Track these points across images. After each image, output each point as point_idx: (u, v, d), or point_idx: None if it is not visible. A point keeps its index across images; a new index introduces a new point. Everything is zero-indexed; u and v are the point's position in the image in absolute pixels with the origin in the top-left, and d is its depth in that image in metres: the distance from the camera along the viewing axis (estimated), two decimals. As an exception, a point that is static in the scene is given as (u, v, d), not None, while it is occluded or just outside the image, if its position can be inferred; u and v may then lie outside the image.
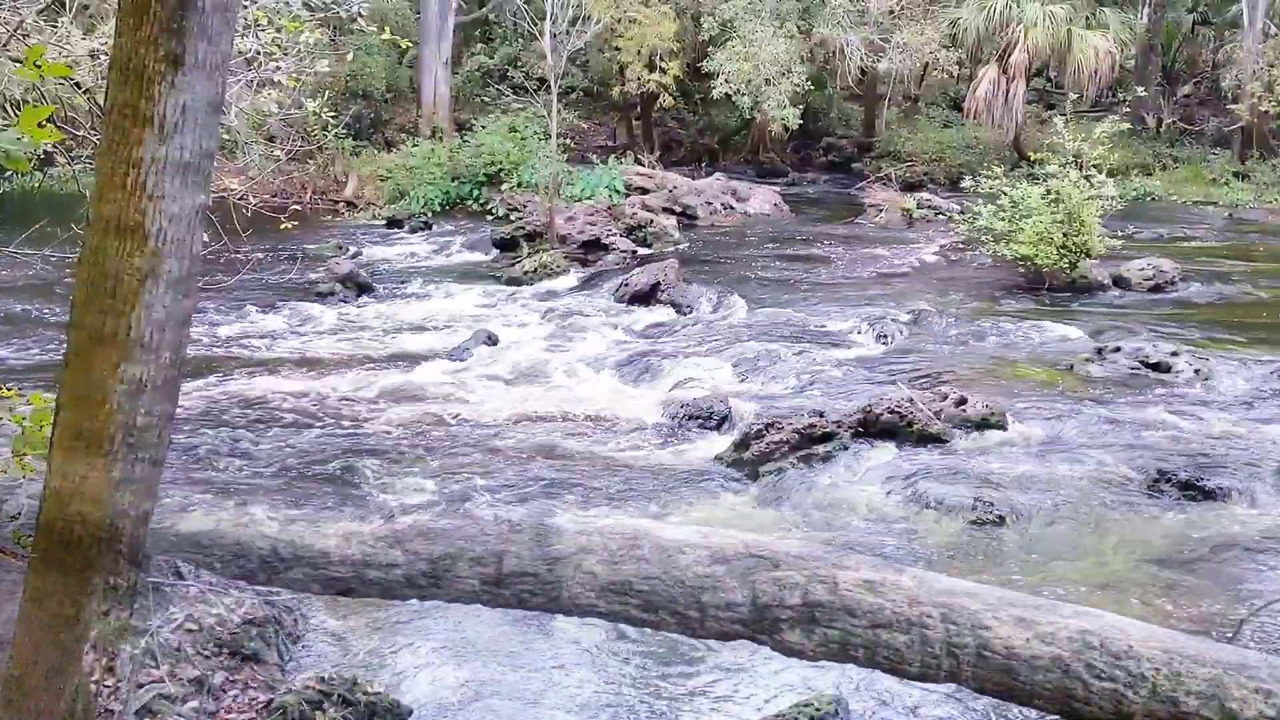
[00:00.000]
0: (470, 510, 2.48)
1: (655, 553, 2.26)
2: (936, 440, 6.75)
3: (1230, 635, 3.45)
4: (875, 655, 2.10)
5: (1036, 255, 11.28)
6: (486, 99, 21.18)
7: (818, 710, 4.29)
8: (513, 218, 14.32)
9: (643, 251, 14.00)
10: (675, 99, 19.68)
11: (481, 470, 6.54)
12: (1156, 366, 8.34)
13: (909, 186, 19.34)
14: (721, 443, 6.84)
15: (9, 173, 11.70)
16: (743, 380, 8.54)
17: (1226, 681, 1.89)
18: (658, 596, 2.24)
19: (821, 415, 6.66)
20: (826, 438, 6.54)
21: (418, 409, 8.01)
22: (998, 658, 2.00)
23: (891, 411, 6.65)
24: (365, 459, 6.80)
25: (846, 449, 6.57)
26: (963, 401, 7.01)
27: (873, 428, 6.64)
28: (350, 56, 13.03)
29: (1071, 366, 8.66)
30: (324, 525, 2.44)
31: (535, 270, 12.68)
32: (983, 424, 6.97)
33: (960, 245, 13.98)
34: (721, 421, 7.24)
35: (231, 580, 3.60)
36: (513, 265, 13.04)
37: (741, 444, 6.56)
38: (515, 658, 4.91)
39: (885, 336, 9.69)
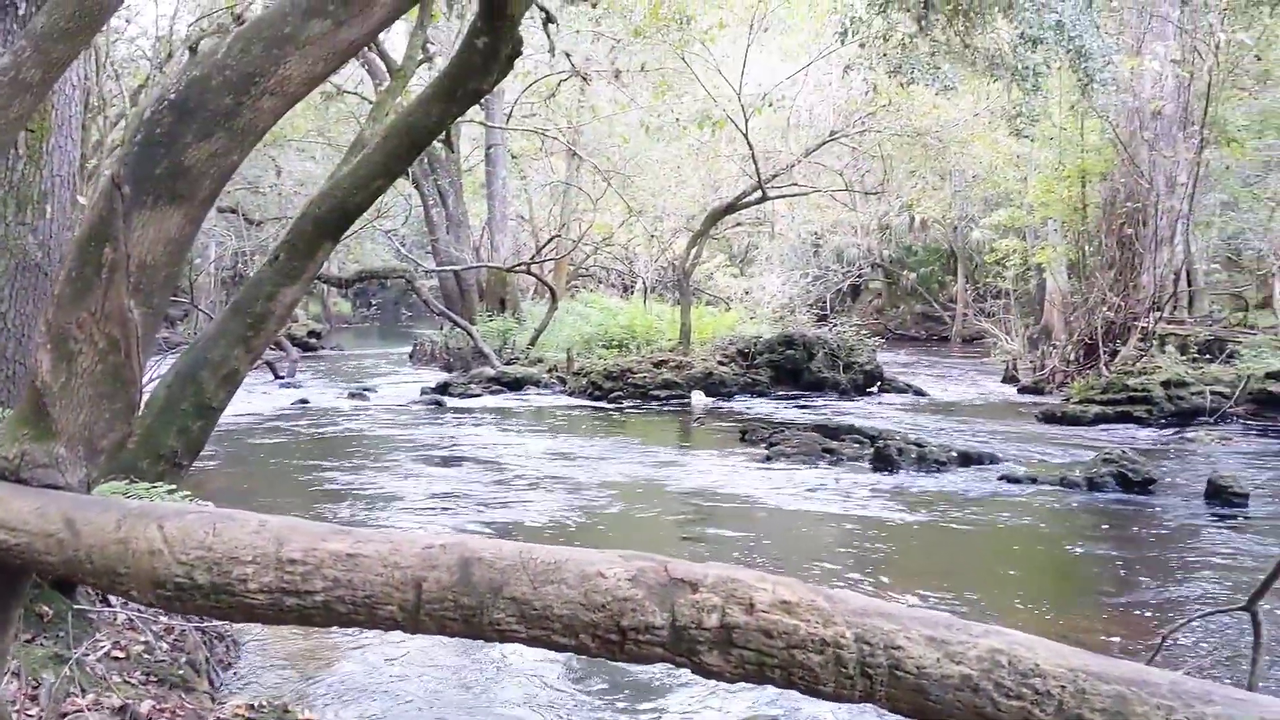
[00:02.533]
0: (392, 536, 2.46)
1: (577, 577, 2.26)
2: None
3: (1152, 655, 3.51)
4: (791, 676, 2.11)
5: None
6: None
7: (755, 730, 4.31)
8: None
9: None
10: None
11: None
12: None
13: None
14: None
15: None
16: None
17: (1129, 698, 1.92)
18: (578, 621, 2.23)
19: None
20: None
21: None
22: (910, 677, 2.02)
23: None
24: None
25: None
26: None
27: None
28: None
29: None
30: (240, 551, 2.40)
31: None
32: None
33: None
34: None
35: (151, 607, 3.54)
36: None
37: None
38: (455, 681, 4.88)
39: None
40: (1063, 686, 1.95)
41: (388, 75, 15.90)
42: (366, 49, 18.79)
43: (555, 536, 7.56)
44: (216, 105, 2.58)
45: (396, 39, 21.60)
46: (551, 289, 22.37)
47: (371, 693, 4.70)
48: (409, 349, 23.64)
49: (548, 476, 10.05)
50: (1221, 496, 8.97)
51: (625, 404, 16.20)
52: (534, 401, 16.55)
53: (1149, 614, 5.79)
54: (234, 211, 25.20)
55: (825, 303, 33.88)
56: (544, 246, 24.68)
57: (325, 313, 37.44)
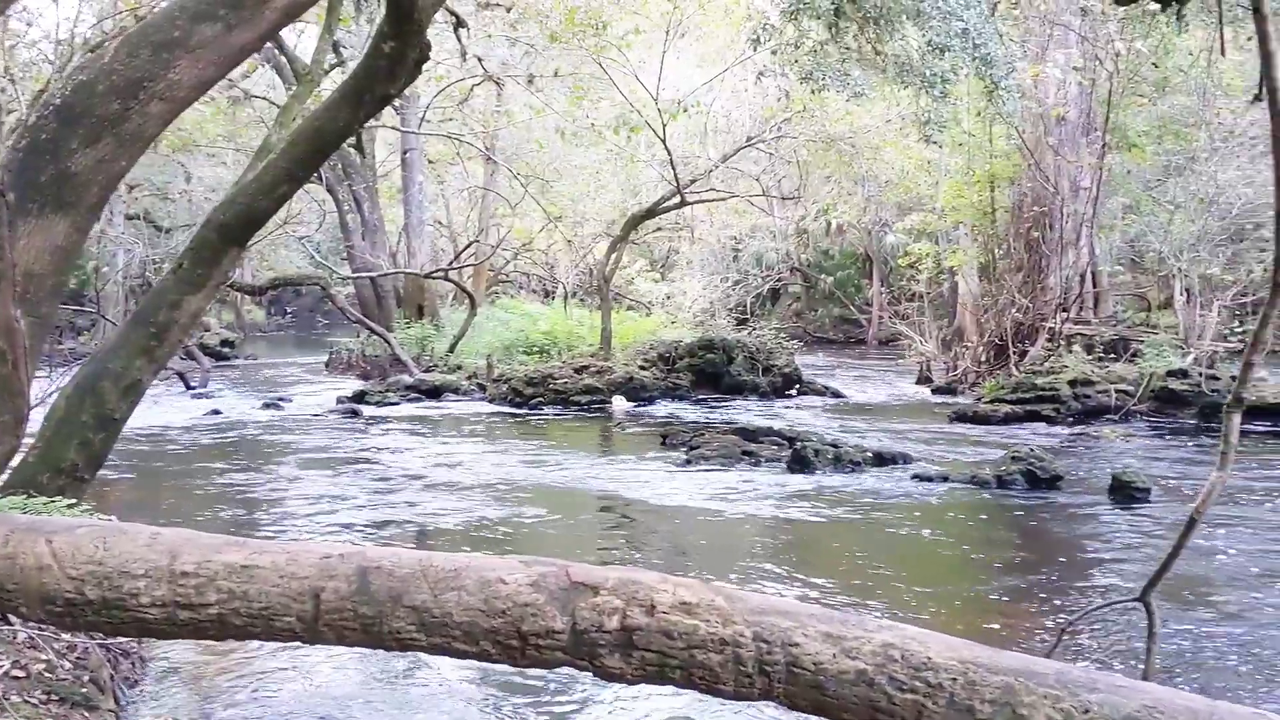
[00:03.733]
0: (289, 546, 2.42)
1: (477, 584, 2.25)
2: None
3: (1052, 646, 3.60)
4: (692, 676, 2.13)
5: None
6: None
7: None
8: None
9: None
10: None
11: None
12: None
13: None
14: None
15: None
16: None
17: (1017, 688, 1.97)
18: (479, 628, 2.23)
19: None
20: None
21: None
22: (807, 674, 2.05)
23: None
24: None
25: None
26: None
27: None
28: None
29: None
30: (131, 565, 2.35)
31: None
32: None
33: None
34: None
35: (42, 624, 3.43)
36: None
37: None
38: (369, 693, 4.82)
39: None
40: (954, 679, 2.00)
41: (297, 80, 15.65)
42: (276, 52, 18.48)
43: (473, 544, 7.50)
44: (103, 111, 2.52)
45: (311, 43, 21.27)
46: (470, 295, 22.21)
47: (282, 707, 4.61)
48: (325, 357, 23.26)
49: (466, 484, 9.97)
50: (1124, 491, 9.24)
51: (546, 410, 16.15)
52: (453, 409, 16.41)
53: (1054, 607, 5.94)
54: (142, 219, 24.60)
55: (745, 307, 34.15)
56: (462, 252, 24.50)
57: (239, 321, 36.69)
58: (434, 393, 17.51)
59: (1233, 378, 14.46)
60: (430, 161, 25.93)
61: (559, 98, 18.23)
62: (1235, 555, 7.20)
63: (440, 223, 29.77)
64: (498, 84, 18.03)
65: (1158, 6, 3.88)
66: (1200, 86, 17.68)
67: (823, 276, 38.08)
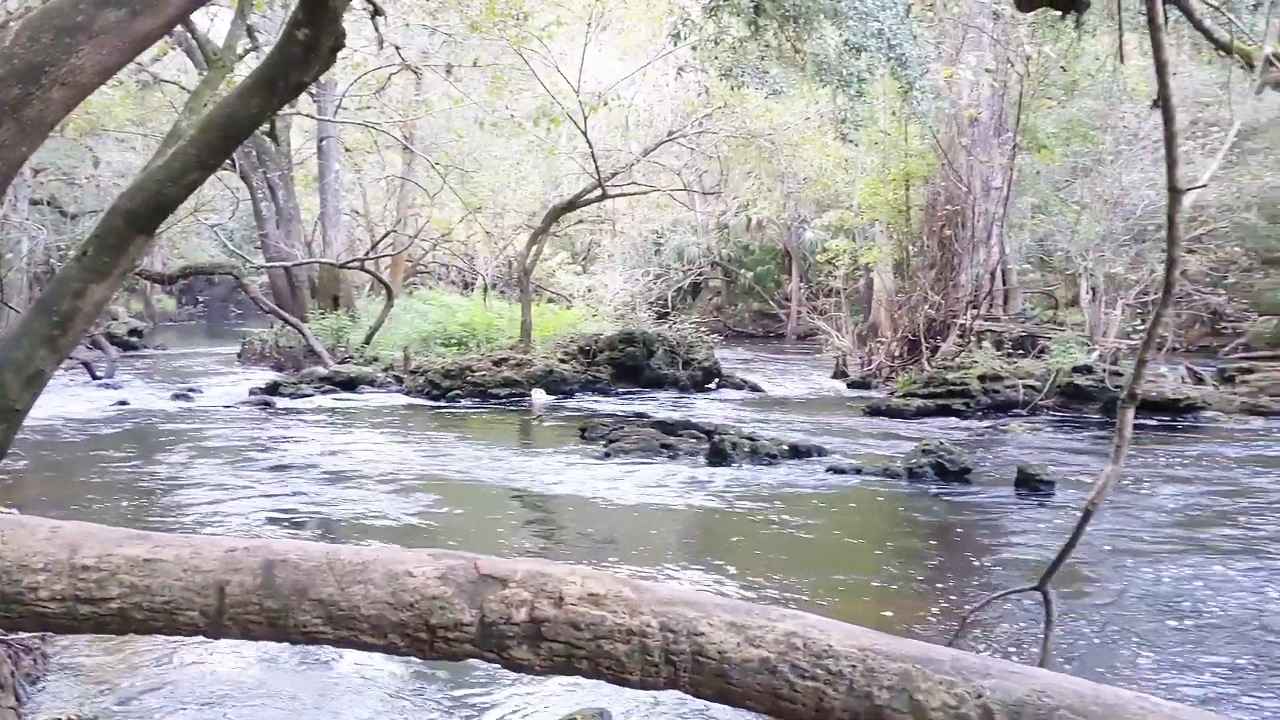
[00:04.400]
0: (192, 539, 2.39)
1: (384, 577, 2.25)
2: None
3: (954, 634, 3.70)
4: (599, 666, 2.15)
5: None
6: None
7: (581, 724, 4.35)
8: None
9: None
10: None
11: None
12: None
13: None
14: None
15: None
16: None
17: (914, 674, 2.03)
18: (386, 621, 2.22)
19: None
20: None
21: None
22: (712, 662, 2.09)
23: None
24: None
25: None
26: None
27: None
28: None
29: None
30: (30, 559, 2.29)
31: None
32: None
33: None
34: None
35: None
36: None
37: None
38: (284, 688, 4.75)
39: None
40: (854, 666, 2.05)
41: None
42: (188, 35, 18.03)
43: (387, 539, 7.44)
44: (3, 96, 2.45)
45: (226, 27, 20.79)
46: (387, 286, 21.95)
47: (189, 699, 4.53)
48: (238, 348, 22.79)
49: (381, 478, 9.87)
50: (1030, 484, 9.50)
51: (464, 403, 16.04)
52: (369, 401, 16.22)
53: (960, 596, 6.10)
54: (48, 204, 23.81)
55: (666, 300, 34.29)
56: (379, 242, 24.19)
57: (148, 310, 35.76)
58: (349, 384, 17.28)
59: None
60: (347, 150, 25.54)
61: (479, 88, 18.09)
62: (1130, 545, 7.46)
63: (357, 212, 29.35)
64: (416, 73, 17.81)
65: (1073, 13, 3.99)
66: (1106, 91, 18.21)
67: (743, 271, 38.40)
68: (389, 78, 20.72)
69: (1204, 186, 3.50)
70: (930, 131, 17.87)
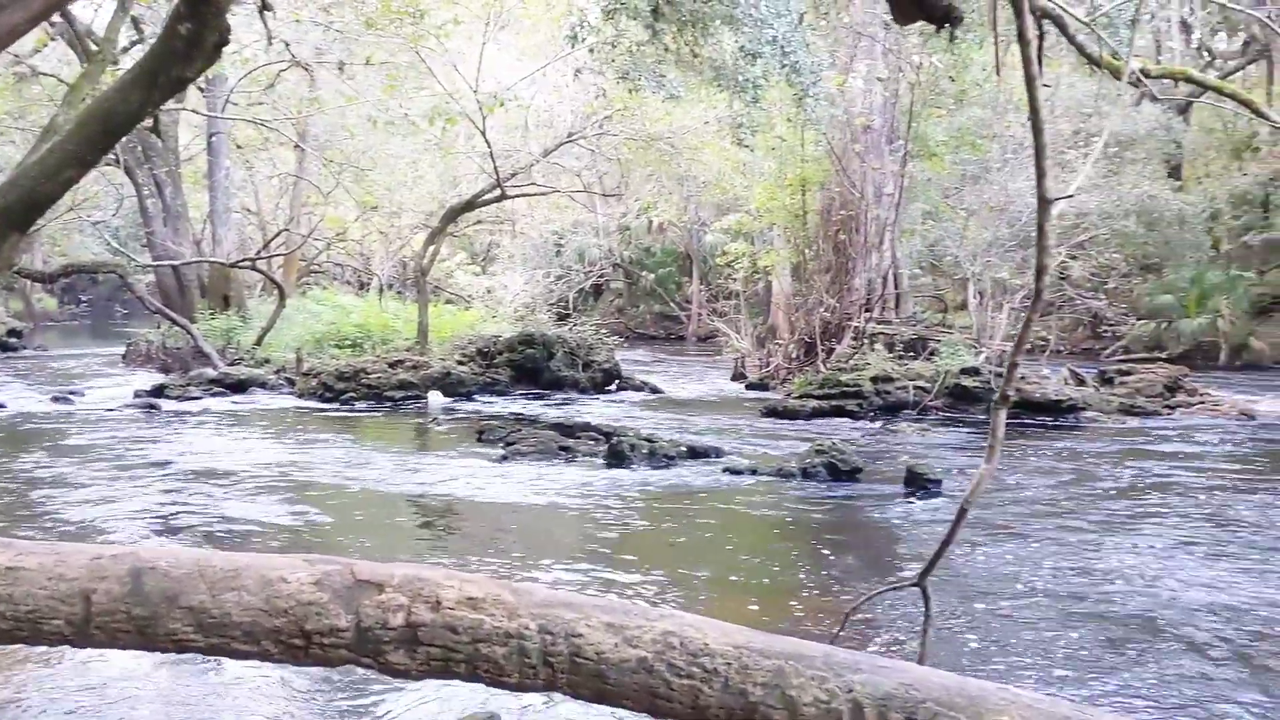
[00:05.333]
0: (58, 547, 2.31)
1: (257, 583, 2.20)
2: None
3: (836, 631, 3.78)
4: (477, 670, 2.15)
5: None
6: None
7: (470, 728, 4.32)
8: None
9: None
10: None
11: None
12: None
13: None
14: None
15: None
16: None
17: (787, 671, 2.07)
18: (260, 627, 2.18)
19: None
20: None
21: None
22: (590, 663, 2.10)
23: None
24: None
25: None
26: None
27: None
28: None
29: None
30: (-122, 571, 2.19)
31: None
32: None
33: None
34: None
35: None
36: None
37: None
38: (160, 696, 4.62)
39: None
40: (728, 664, 2.08)
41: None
42: (69, 26, 17.39)
43: (275, 547, 7.28)
44: None
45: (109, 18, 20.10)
46: (279, 286, 21.48)
47: (59, 708, 4.37)
48: (123, 349, 22.05)
49: (270, 483, 9.65)
50: (918, 483, 9.75)
51: (358, 405, 15.78)
52: (259, 404, 15.85)
53: (847, 593, 6.22)
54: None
55: (567, 302, 34.27)
56: (271, 241, 23.66)
57: (28, 310, 34.40)
58: (239, 387, 16.86)
59: (1021, 375, 15.46)
60: (238, 146, 24.91)
61: (374, 86, 17.82)
62: (1007, 540, 7.71)
63: (249, 210, 28.66)
64: (307, 69, 17.47)
65: (947, 27, 4.10)
66: (993, 100, 18.79)
67: (644, 273, 38.58)
68: (279, 74, 20.26)
69: (1071, 197, 3.64)
70: (825, 138, 18.21)
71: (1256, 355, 25.52)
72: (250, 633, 2.17)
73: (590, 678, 2.10)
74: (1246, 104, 5.95)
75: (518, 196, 21.22)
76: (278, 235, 23.86)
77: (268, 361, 18.88)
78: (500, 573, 6.24)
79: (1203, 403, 15.95)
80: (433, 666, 2.15)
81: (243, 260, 22.07)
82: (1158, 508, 9.13)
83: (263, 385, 17.13)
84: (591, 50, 14.39)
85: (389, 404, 15.98)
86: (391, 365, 16.89)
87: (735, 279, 25.96)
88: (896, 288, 20.14)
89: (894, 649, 5.23)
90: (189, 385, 16.48)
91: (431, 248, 19.73)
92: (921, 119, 18.38)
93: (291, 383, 17.12)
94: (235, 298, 22.39)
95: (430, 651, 2.14)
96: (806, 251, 19.82)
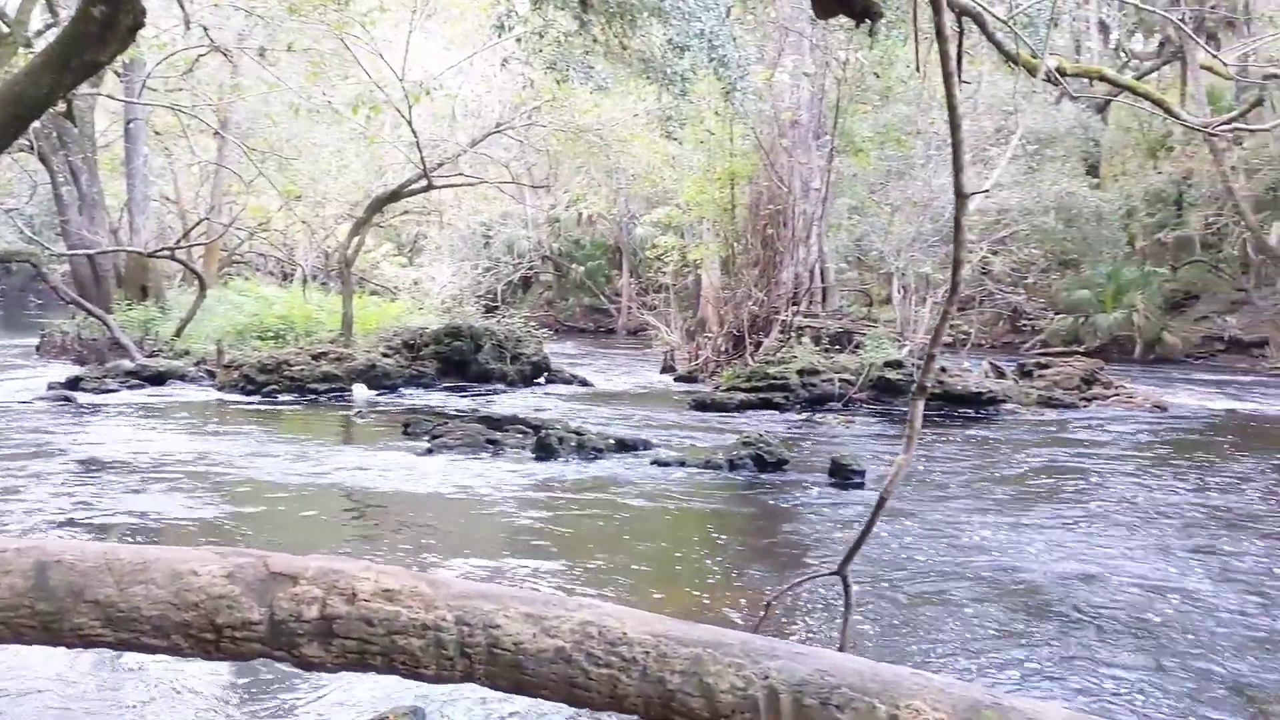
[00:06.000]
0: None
1: (167, 577, 2.16)
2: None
3: (758, 620, 3.82)
4: (393, 662, 2.13)
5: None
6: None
7: (393, 722, 4.28)
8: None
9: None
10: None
11: None
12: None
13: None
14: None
15: None
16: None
17: (704, 658, 2.09)
18: (169, 621, 2.14)
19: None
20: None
21: None
22: (508, 654, 2.09)
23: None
24: None
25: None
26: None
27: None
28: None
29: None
30: None
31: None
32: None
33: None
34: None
35: None
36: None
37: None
38: (68, 695, 4.50)
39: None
40: (647, 652, 2.09)
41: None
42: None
43: (192, 542, 7.13)
44: None
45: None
46: (200, 276, 21.02)
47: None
48: (36, 340, 21.41)
49: (189, 477, 9.45)
50: (842, 474, 9.88)
51: (281, 398, 15.52)
52: (179, 397, 15.50)
53: (771, 583, 6.29)
54: None
55: (496, 294, 34.06)
56: (191, 230, 23.13)
57: (-65, 300, 33.23)
58: (157, 379, 16.47)
59: (942, 368, 15.76)
60: (156, 133, 24.31)
61: (297, 73, 17.50)
62: (926, 530, 7.85)
63: (168, 198, 27.98)
64: (227, 55, 17.12)
65: (867, 22, 4.15)
66: (917, 97, 19.06)
67: (574, 266, 38.52)
68: (197, 59, 19.81)
69: (987, 192, 3.71)
70: (753, 132, 18.32)
71: (1169, 349, 26.31)
72: (160, 627, 2.13)
73: (508, 668, 2.10)
74: (1159, 104, 6.13)
75: (445, 187, 21.03)
76: (198, 224, 23.34)
77: (187, 353, 18.47)
78: (423, 566, 6.18)
79: (1117, 395, 16.40)
80: (348, 659, 2.13)
81: (161, 250, 21.55)
82: (1070, 496, 9.38)
83: (182, 378, 16.76)
84: (519, 40, 14.30)
85: (312, 397, 15.73)
86: (315, 357, 16.63)
87: (665, 272, 26.03)
88: (823, 282, 20.37)
89: (816, 636, 5.30)
90: (105, 377, 16.05)
91: (356, 238, 19.46)
92: (847, 115, 18.59)
93: (212, 375, 16.77)
94: (153, 288, 21.86)
95: (346, 644, 2.11)
96: (735, 245, 19.94)
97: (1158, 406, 15.88)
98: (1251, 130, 10.05)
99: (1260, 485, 10.08)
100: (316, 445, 11.60)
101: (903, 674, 2.15)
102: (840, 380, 15.91)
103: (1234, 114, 7.01)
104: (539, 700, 2.17)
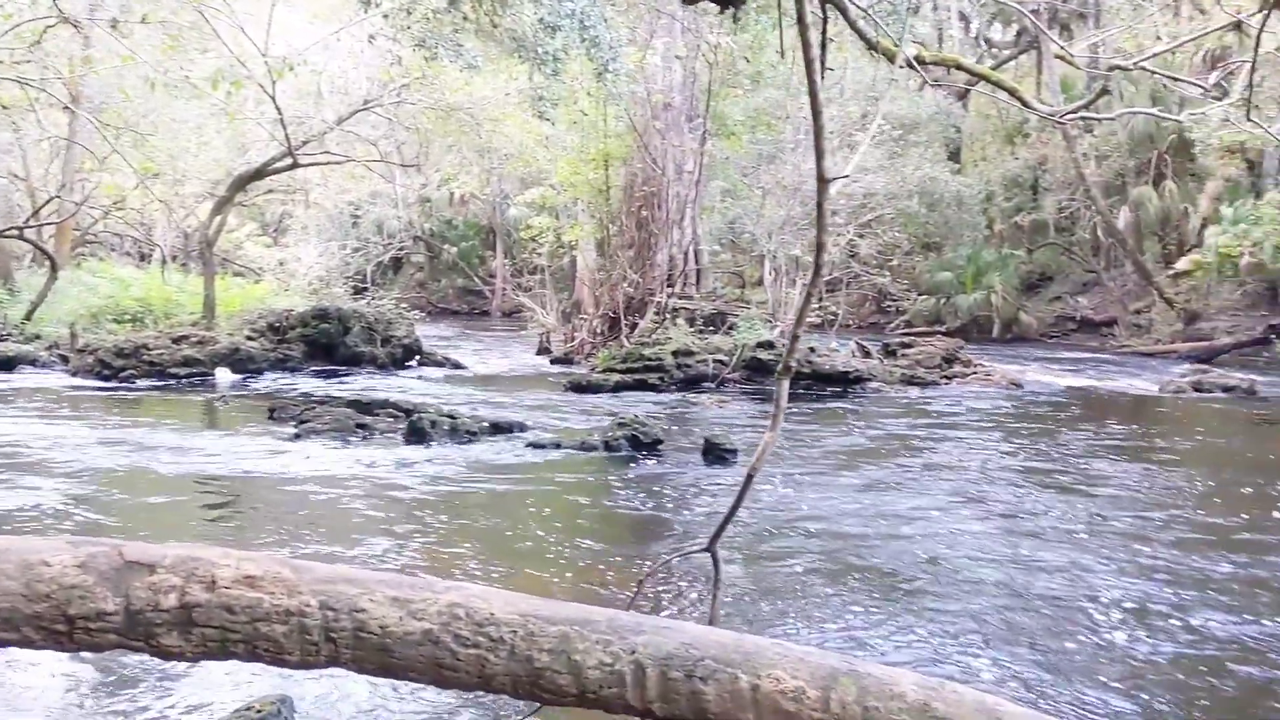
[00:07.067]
0: None
1: (17, 567, 2.08)
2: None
3: (631, 598, 3.87)
4: (255, 649, 2.09)
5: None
6: None
7: (259, 713, 4.19)
8: None
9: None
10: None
11: None
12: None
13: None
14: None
15: None
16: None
17: (572, 636, 2.12)
18: (19, 613, 2.06)
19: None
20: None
21: None
22: (374, 637, 2.08)
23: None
24: None
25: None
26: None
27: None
28: None
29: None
30: None
31: None
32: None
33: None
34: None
35: None
36: None
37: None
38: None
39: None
40: (514, 631, 2.11)
41: None
42: None
43: (47, 532, 6.83)
44: None
45: None
46: (51, 257, 20.06)
47: None
48: None
49: (41, 465, 9.04)
50: (715, 453, 10.05)
51: (139, 384, 14.95)
52: (29, 382, 14.78)
53: (646, 561, 6.37)
54: None
55: (366, 275, 33.39)
56: (41, 208, 22.03)
57: None
58: (6, 364, 15.69)
59: (811, 349, 16.13)
60: (3, 107, 22.97)
61: (154, 46, 16.77)
62: (793, 504, 8.06)
63: (15, 175, 26.54)
64: (77, 26, 16.30)
65: (731, 8, 4.22)
66: (786, 82, 19.38)
67: (446, 247, 38.03)
68: (45, 30, 18.81)
69: (846, 177, 3.82)
70: (626, 114, 18.36)
71: (1025, 329, 27.50)
72: (9, 619, 2.05)
73: (375, 652, 2.09)
74: (1011, 92, 6.36)
75: (311, 165, 20.50)
76: (48, 203, 22.22)
77: (39, 337, 17.62)
78: (291, 553, 6.06)
79: (976, 373, 17.07)
80: (209, 648, 2.08)
81: (9, 229, 20.51)
82: (928, 469, 9.77)
83: (33, 363, 16.01)
84: (386, 16, 14.00)
85: (173, 382, 15.21)
86: (176, 341, 16.07)
87: (540, 253, 25.94)
88: (697, 264, 20.58)
89: (689, 612, 5.39)
90: (-53, 363, 15.22)
91: (218, 218, 18.84)
92: (719, 98, 18.79)
93: (65, 360, 16.05)
94: (1, 269, 20.77)
95: (206, 632, 2.07)
96: (610, 227, 19.99)
97: (1013, 384, 16.58)
98: (1097, 119, 10.56)
99: (1091, 451, 10.67)
100: (178, 431, 11.23)
101: (764, 645, 2.21)
102: (714, 361, 16.15)
103: (1079, 103, 7.33)
104: (408, 683, 2.17)
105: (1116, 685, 4.53)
